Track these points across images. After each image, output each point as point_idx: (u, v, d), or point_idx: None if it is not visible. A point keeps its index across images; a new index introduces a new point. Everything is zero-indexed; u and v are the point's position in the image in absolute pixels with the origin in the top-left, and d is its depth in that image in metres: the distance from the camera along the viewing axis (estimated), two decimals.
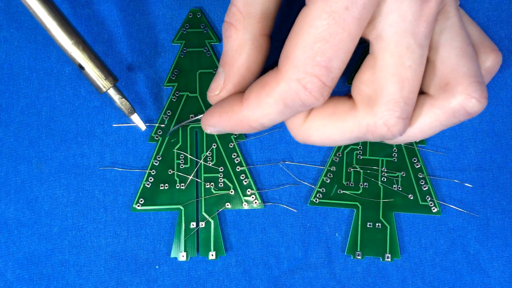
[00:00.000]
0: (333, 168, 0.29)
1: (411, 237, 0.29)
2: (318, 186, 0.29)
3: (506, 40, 0.30)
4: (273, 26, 0.24)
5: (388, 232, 0.29)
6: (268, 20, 0.23)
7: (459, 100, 0.21)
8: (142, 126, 0.28)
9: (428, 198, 0.29)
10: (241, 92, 0.23)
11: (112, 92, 0.27)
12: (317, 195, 0.29)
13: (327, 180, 0.29)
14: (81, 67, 0.25)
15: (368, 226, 0.29)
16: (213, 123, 0.24)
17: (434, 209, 0.29)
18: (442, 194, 0.29)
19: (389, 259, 0.29)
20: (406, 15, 0.20)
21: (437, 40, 0.21)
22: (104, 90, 0.26)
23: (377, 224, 0.29)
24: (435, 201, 0.29)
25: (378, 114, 0.21)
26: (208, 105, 0.29)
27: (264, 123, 0.22)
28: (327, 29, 0.19)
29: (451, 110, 0.21)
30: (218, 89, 0.24)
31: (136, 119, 0.28)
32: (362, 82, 0.21)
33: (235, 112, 0.23)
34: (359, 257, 0.29)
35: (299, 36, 0.20)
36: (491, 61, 0.24)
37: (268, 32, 0.23)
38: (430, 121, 0.22)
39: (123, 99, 0.27)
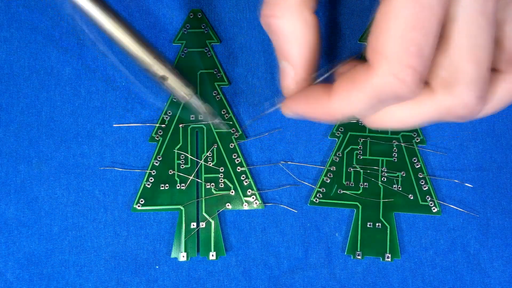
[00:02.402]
0: (333, 168, 0.29)
1: (411, 237, 0.29)
2: (318, 186, 0.29)
3: None
4: (317, 4, 0.23)
5: (388, 232, 0.29)
6: (313, 0, 0.22)
7: None
8: (226, 127, 0.28)
9: (428, 198, 0.29)
10: (328, 84, 0.23)
11: (195, 99, 0.27)
12: (317, 195, 0.29)
13: (327, 180, 0.29)
14: (163, 79, 0.25)
15: (368, 226, 0.29)
16: (296, 110, 0.24)
17: (434, 209, 0.29)
18: (442, 194, 0.29)
19: (389, 259, 0.29)
20: None
21: (502, 16, 0.21)
22: (188, 98, 0.26)
23: (377, 224, 0.29)
24: (435, 201, 0.29)
25: (458, 96, 0.21)
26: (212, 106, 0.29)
27: (350, 115, 0.22)
28: (415, 16, 0.19)
29: None
30: (293, 82, 0.24)
31: (219, 122, 0.28)
32: (437, 65, 0.21)
33: (321, 103, 0.22)
34: (359, 257, 0.29)
35: (386, 29, 0.19)
36: None
37: (315, 10, 0.22)
38: (505, 95, 0.22)
39: (206, 103, 0.27)
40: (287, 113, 0.24)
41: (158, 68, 0.25)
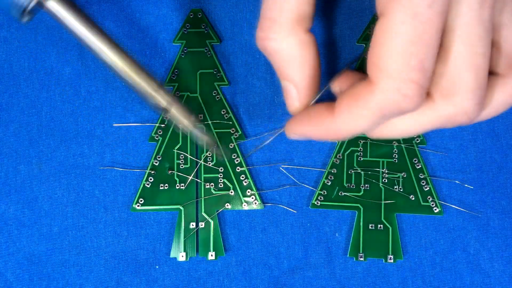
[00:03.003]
0: (334, 170, 0.29)
1: (411, 237, 0.29)
2: (319, 189, 0.29)
3: None
4: (312, 23, 0.23)
5: (390, 233, 0.29)
6: (307, 20, 0.22)
7: None
8: (227, 157, 0.28)
9: (429, 198, 0.29)
10: (329, 102, 0.23)
11: (197, 130, 0.26)
12: (319, 198, 0.29)
13: (328, 182, 0.29)
14: (166, 110, 0.25)
15: (370, 227, 0.29)
16: (300, 131, 0.24)
17: (435, 209, 0.29)
18: (443, 194, 0.29)
19: (392, 260, 0.29)
20: (472, 4, 0.20)
21: (498, 21, 0.22)
22: (189, 129, 0.26)
23: (379, 226, 0.29)
24: (437, 201, 0.29)
25: (458, 104, 0.21)
26: (209, 109, 0.29)
27: (356, 133, 0.22)
28: (414, 31, 0.19)
29: None
30: (296, 101, 0.24)
31: (220, 152, 0.28)
32: (436, 74, 0.21)
33: (325, 122, 0.22)
34: (361, 259, 0.29)
35: (386, 45, 0.19)
36: None
37: (309, 28, 0.22)
38: (503, 99, 0.23)
39: (208, 133, 0.27)
40: (292, 136, 0.24)
41: (160, 100, 0.25)
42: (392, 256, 0.29)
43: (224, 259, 0.29)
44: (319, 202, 0.29)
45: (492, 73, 0.23)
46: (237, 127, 0.29)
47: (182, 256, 0.29)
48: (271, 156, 0.30)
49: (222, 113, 0.29)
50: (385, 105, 0.20)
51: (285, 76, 0.23)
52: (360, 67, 0.29)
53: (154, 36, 0.30)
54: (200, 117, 0.29)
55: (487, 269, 0.29)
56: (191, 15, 0.30)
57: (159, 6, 0.30)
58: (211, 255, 0.29)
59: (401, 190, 0.29)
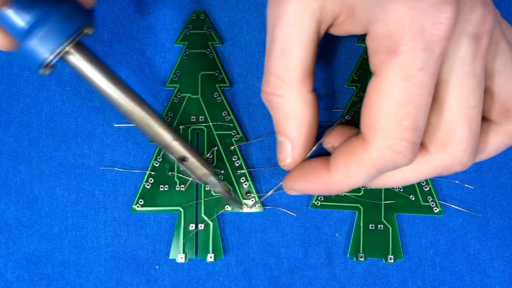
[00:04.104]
0: None
1: (411, 237, 0.29)
2: None
3: None
4: (314, 80, 0.23)
5: (390, 233, 0.29)
6: (310, 78, 0.23)
7: None
8: (240, 206, 0.28)
9: (429, 198, 0.29)
10: (324, 157, 0.24)
11: (213, 179, 0.26)
12: (319, 198, 0.29)
13: None
14: (183, 159, 0.25)
15: (370, 228, 0.29)
16: (298, 188, 0.24)
17: (436, 209, 0.29)
18: (443, 194, 0.29)
19: (392, 261, 0.29)
20: (465, 57, 0.20)
21: (491, 68, 0.22)
22: (205, 178, 0.26)
23: (379, 226, 0.29)
24: (437, 201, 0.29)
25: (453, 155, 0.22)
26: (210, 111, 0.29)
27: (352, 187, 0.23)
28: (406, 93, 0.19)
29: None
30: (289, 157, 0.24)
31: (235, 200, 0.28)
32: (430, 125, 0.22)
33: (321, 178, 0.23)
34: (361, 259, 0.29)
35: (379, 106, 0.20)
36: None
37: (313, 88, 0.23)
38: (496, 145, 0.23)
39: (223, 182, 0.27)
40: (290, 192, 0.25)
41: (178, 149, 0.25)
42: (392, 256, 0.29)
43: (224, 259, 0.29)
44: (319, 203, 0.29)
45: (485, 118, 0.23)
46: (238, 129, 0.29)
47: (181, 258, 0.29)
48: (272, 159, 0.30)
49: (223, 115, 0.29)
50: (380, 161, 0.21)
51: (283, 132, 0.23)
52: (360, 67, 0.29)
53: (156, 37, 0.30)
54: (202, 118, 0.29)
55: (487, 269, 0.29)
56: (194, 16, 0.30)
57: (161, 7, 0.30)
58: (210, 257, 0.29)
59: (401, 190, 0.29)
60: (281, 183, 0.25)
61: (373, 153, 0.21)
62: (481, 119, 0.22)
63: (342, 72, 0.30)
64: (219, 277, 0.29)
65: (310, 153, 0.24)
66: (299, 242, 0.29)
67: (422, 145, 0.22)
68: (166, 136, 0.25)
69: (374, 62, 0.20)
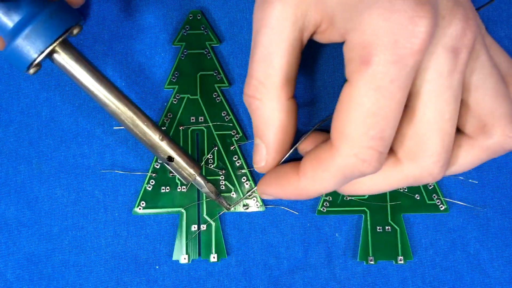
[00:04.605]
0: None
1: (411, 237, 0.29)
2: (324, 195, 0.29)
3: (506, 40, 0.30)
4: (295, 87, 0.23)
5: (398, 234, 0.29)
6: (291, 84, 0.23)
7: (498, 140, 0.22)
8: (228, 206, 0.28)
9: (434, 196, 0.29)
10: (296, 162, 0.24)
11: (199, 179, 0.26)
12: (324, 204, 0.29)
13: None
14: (169, 159, 0.25)
15: (378, 230, 0.29)
16: (270, 192, 0.25)
17: (442, 207, 0.29)
18: (444, 193, 0.29)
19: (402, 261, 0.29)
20: (442, 70, 0.20)
21: (469, 82, 0.22)
22: (192, 179, 0.26)
23: (386, 228, 0.29)
24: (442, 199, 0.29)
25: (423, 167, 0.22)
26: (209, 111, 0.29)
27: (321, 193, 0.23)
28: (376, 103, 0.19)
29: (490, 149, 0.23)
30: (263, 160, 0.24)
31: (221, 201, 0.28)
32: (402, 135, 0.22)
33: (291, 183, 0.23)
34: (371, 262, 0.29)
35: (348, 113, 0.20)
36: None
37: (293, 94, 0.23)
38: (470, 159, 0.23)
39: (209, 183, 0.27)
40: (264, 197, 0.26)
41: (165, 149, 0.25)
42: (402, 257, 0.29)
43: (224, 259, 0.29)
44: (325, 209, 0.29)
45: (460, 131, 0.23)
46: (238, 128, 0.29)
47: (185, 259, 0.29)
48: None
49: (223, 115, 0.29)
50: (345, 168, 0.21)
51: (260, 135, 0.24)
52: None
53: (154, 37, 0.30)
54: (201, 119, 0.29)
55: (487, 269, 0.29)
56: (190, 16, 0.30)
57: (158, 7, 0.30)
58: (213, 257, 0.29)
59: (405, 190, 0.29)
60: (254, 188, 0.26)
61: (339, 160, 0.21)
62: (455, 132, 0.22)
63: (330, 77, 0.30)
64: (219, 277, 0.29)
65: (285, 157, 0.24)
66: (299, 242, 0.29)
67: (394, 155, 0.22)
68: (153, 135, 0.25)
69: (348, 69, 0.20)
